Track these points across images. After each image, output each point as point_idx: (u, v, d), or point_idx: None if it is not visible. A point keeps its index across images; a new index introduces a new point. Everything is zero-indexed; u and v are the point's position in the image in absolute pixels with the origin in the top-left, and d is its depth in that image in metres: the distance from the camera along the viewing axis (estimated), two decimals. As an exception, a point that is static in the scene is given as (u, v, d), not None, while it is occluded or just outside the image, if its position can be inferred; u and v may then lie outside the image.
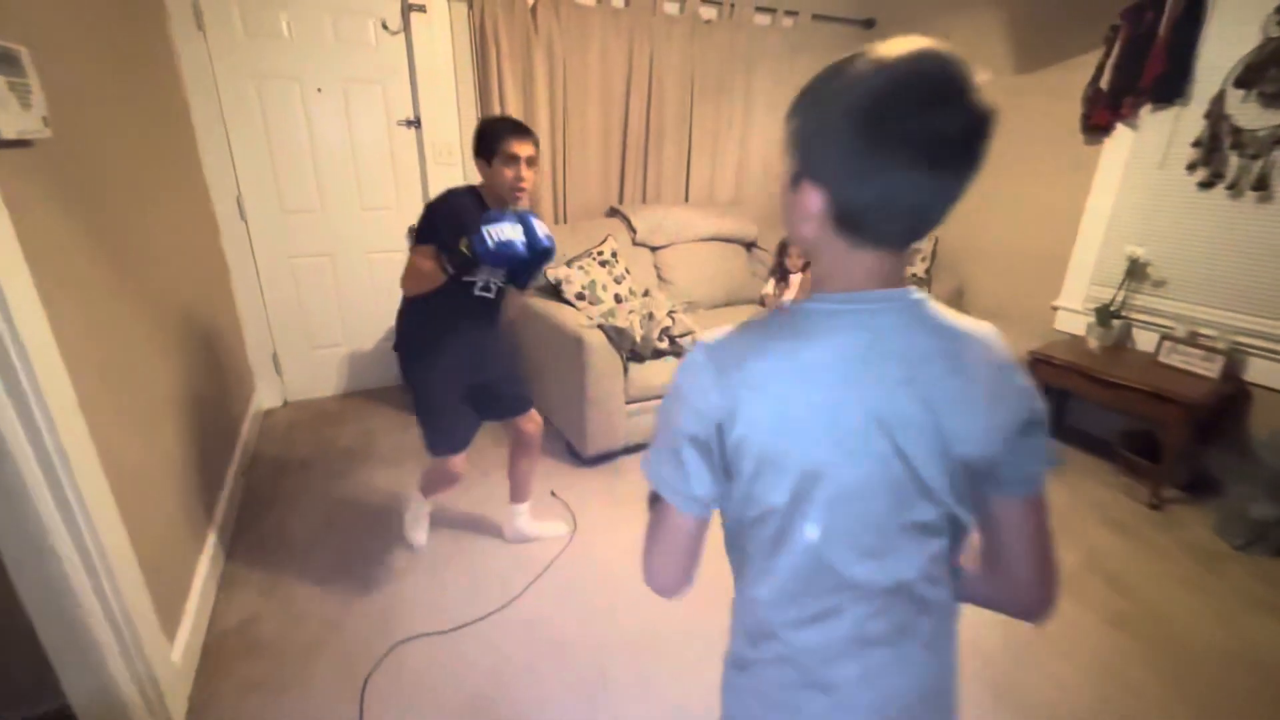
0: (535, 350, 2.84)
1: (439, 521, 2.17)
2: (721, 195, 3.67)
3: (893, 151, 0.48)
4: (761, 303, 3.46)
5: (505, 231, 1.46)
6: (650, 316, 2.45)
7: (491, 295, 1.74)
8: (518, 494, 2.06)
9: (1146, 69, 2.42)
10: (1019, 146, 3.07)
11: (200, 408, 2.02)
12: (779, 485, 0.57)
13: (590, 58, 3.03)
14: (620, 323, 2.36)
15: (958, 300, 3.43)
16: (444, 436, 1.78)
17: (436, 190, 3.01)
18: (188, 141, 2.45)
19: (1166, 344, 2.48)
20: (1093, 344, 2.63)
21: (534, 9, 2.85)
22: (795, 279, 3.35)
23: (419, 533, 2.04)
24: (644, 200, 3.45)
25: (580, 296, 2.70)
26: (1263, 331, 2.32)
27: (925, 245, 3.41)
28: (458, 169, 3.03)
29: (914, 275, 3.38)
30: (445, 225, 1.55)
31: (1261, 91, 2.19)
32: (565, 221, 3.25)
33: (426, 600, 1.83)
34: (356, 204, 2.93)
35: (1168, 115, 2.47)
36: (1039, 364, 2.65)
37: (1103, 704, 1.55)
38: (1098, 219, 2.77)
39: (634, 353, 2.49)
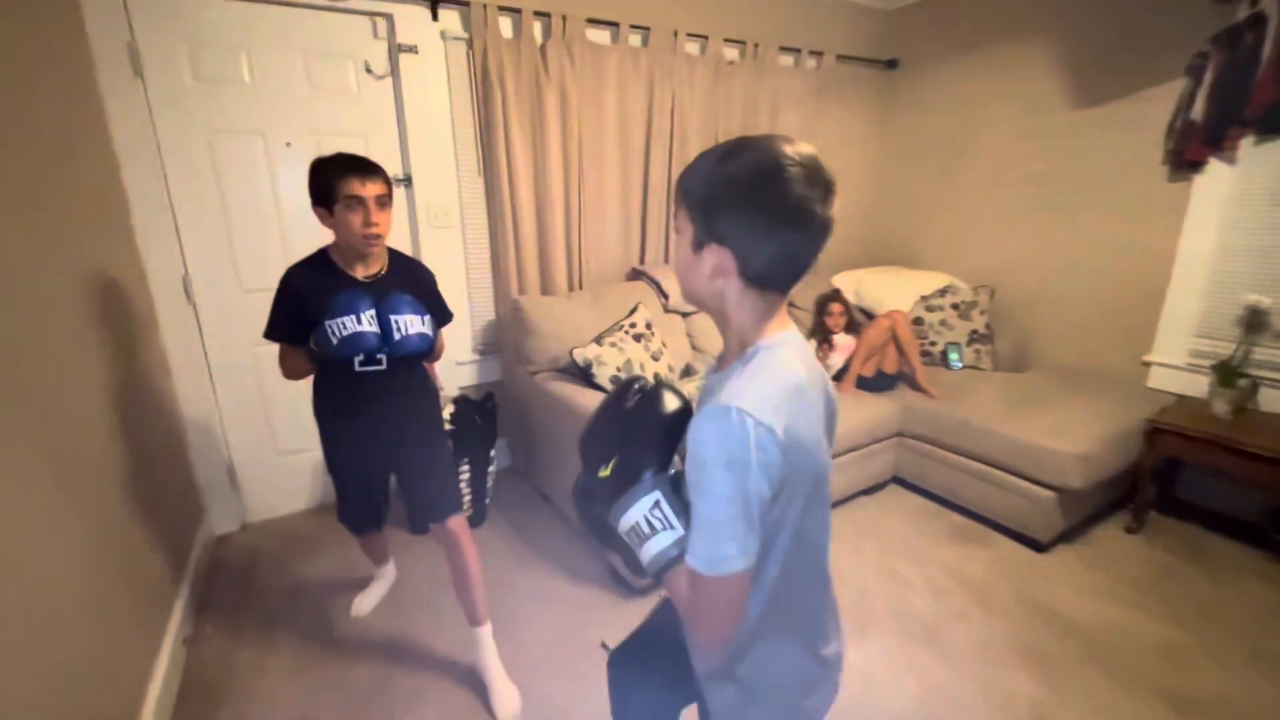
0: (560, 450, 2.32)
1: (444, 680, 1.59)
2: (748, 250, 3.28)
3: (799, 223, 0.65)
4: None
5: (350, 325, 1.33)
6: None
7: (382, 367, 1.47)
8: (468, 614, 1.65)
9: (1253, 98, 2.15)
10: (1084, 188, 2.78)
11: (121, 566, 1.43)
12: (795, 500, 0.69)
13: (607, 102, 2.66)
14: (681, 417, 1.88)
15: (1022, 356, 3.07)
16: (342, 507, 1.74)
17: (431, 258, 2.57)
18: (116, 213, 1.93)
19: (1312, 406, 2.12)
20: (1220, 408, 2.25)
21: (543, 48, 2.47)
22: (841, 340, 2.96)
23: (362, 599, 1.95)
24: (666, 261, 3.03)
25: (616, 381, 2.22)
26: None
27: (981, 297, 3.06)
28: (456, 232, 2.56)
29: (974, 331, 3.01)
30: (290, 316, 1.41)
31: (1407, 117, 1.92)
32: (581, 288, 2.80)
33: None
34: (333, 278, 2.42)
35: (1278, 148, 2.19)
36: (1162, 435, 2.25)
37: None
38: (1196, 264, 2.45)
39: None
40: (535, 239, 2.64)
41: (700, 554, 0.64)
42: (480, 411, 2.47)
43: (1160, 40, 2.44)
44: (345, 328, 1.33)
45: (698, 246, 0.68)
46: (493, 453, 2.45)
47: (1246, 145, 2.25)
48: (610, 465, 0.73)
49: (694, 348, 2.81)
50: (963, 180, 3.29)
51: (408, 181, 2.43)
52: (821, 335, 3.04)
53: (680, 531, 0.67)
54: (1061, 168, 2.85)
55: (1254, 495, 2.32)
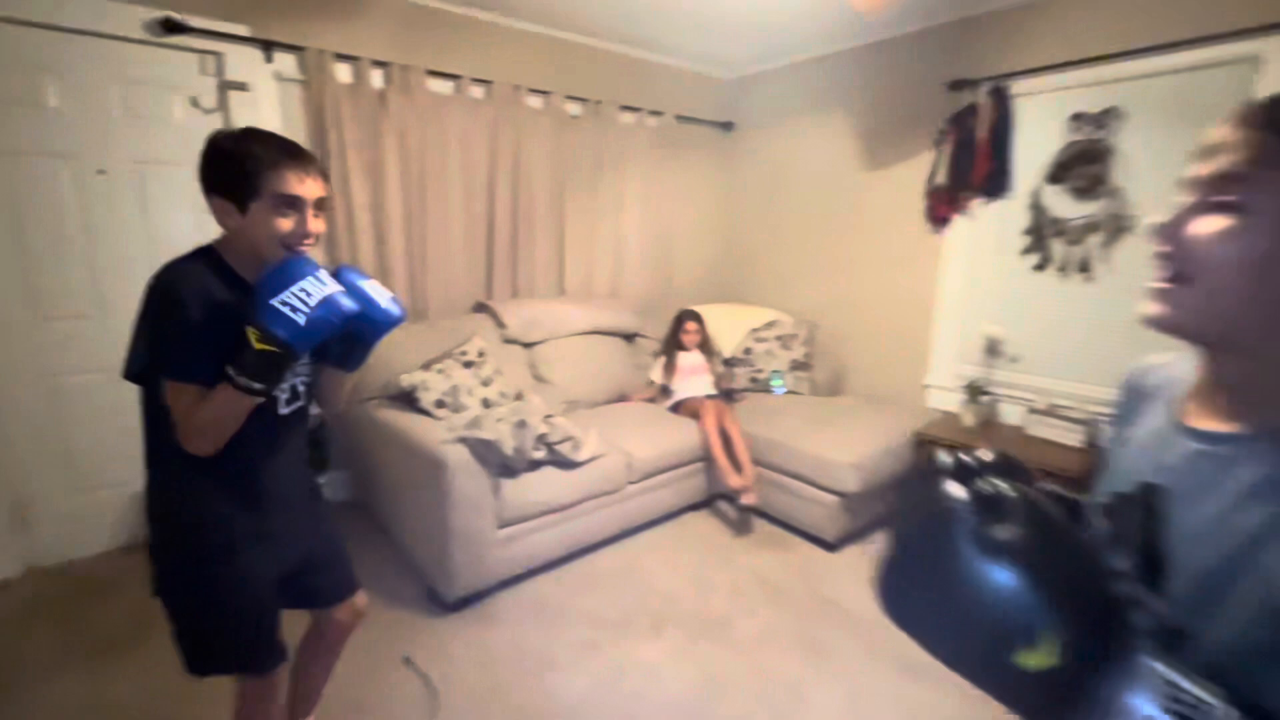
0: (384, 472, 2.37)
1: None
2: (599, 288, 3.52)
3: None
4: (664, 391, 3.19)
5: (314, 289, 0.97)
6: (523, 424, 2.12)
7: (301, 403, 1.20)
8: (305, 705, 1.47)
9: (975, 168, 2.66)
10: (875, 237, 3.25)
11: None
12: None
13: (450, 145, 2.83)
14: (486, 434, 2.00)
15: (838, 383, 3.46)
16: (262, 648, 1.16)
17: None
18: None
19: (1031, 416, 2.58)
20: (968, 420, 2.68)
21: (383, 94, 2.61)
22: (686, 361, 3.15)
23: None
24: (515, 294, 3.20)
25: (441, 404, 2.31)
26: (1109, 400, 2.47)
27: (801, 331, 3.45)
28: (290, 263, 2.59)
29: (794, 360, 3.37)
30: (204, 331, 0.98)
31: (1072, 186, 2.45)
32: (425, 319, 2.89)
33: None
34: (151, 306, 2.37)
35: (997, 207, 2.71)
36: (923, 445, 2.63)
37: None
38: (952, 300, 2.93)
39: (506, 467, 2.12)
40: (375, 269, 2.72)
41: None
42: (311, 440, 2.46)
43: (920, 117, 2.95)
44: (311, 295, 0.96)
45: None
46: (322, 481, 2.44)
47: (978, 205, 2.76)
48: (1055, 646, 0.39)
49: (537, 377, 2.95)
50: (786, 230, 3.73)
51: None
52: (671, 351, 3.20)
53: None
54: (855, 221, 3.33)
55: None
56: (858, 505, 2.55)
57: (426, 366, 2.39)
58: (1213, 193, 0.46)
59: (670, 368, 3.18)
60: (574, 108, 3.25)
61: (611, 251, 3.52)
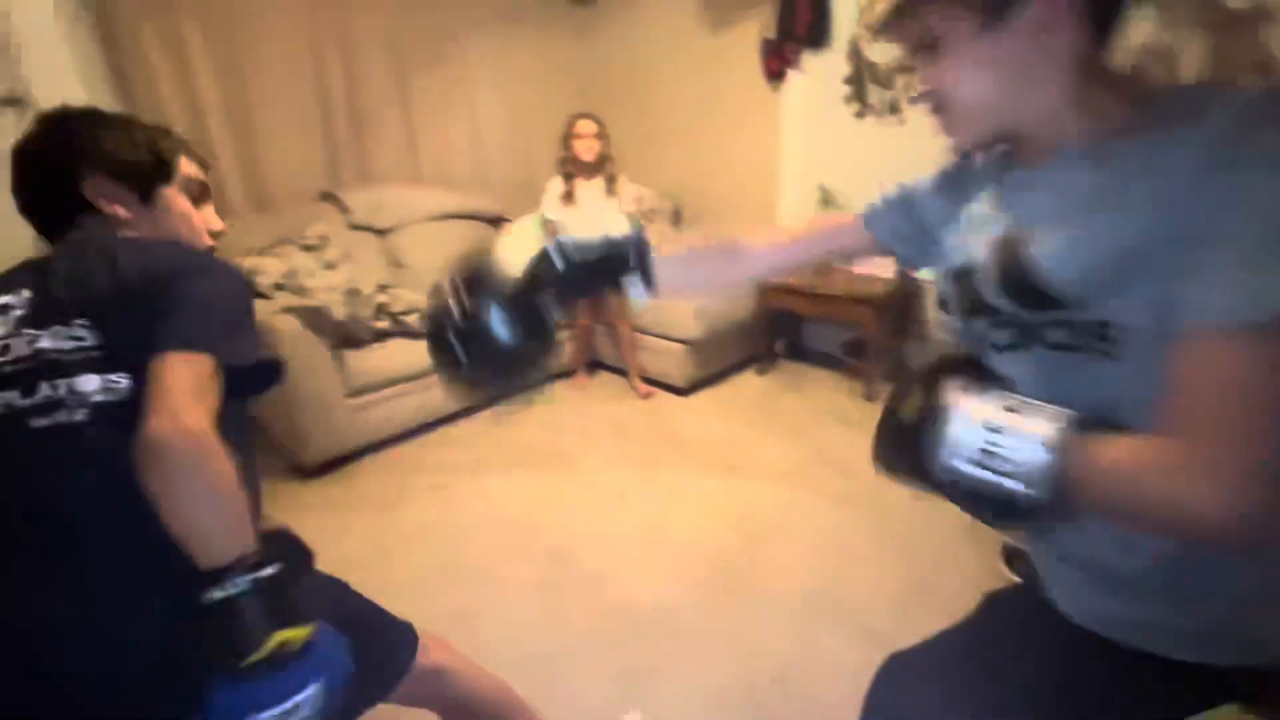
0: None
1: None
2: (459, 172, 3.47)
3: None
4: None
5: None
6: (355, 292, 2.17)
7: None
8: None
9: (798, 19, 2.72)
10: (724, 101, 3.29)
11: None
12: None
13: (264, 14, 2.66)
14: (314, 301, 2.05)
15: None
16: None
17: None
18: None
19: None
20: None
21: (168, -40, 2.40)
22: (587, 190, 2.71)
23: None
24: (366, 181, 3.12)
25: (280, 288, 2.32)
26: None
27: (667, 204, 3.54)
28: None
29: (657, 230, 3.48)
30: None
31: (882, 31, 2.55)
32: (270, 209, 2.82)
33: None
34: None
35: (822, 58, 2.80)
36: (764, 291, 2.85)
37: (834, 574, 1.64)
38: (792, 156, 3.06)
39: (346, 337, 2.19)
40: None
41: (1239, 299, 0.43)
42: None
43: (753, -28, 2.93)
44: None
45: (994, 22, 0.52)
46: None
47: (807, 57, 2.84)
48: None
49: (396, 263, 2.96)
50: (647, 105, 3.67)
51: (16, 102, 2.28)
52: (567, 171, 2.66)
53: (1050, 407, 0.51)
54: (707, 88, 3.34)
55: (837, 333, 3.03)
56: (706, 351, 2.77)
57: (262, 253, 2.38)
58: (920, 49, 0.59)
59: (568, 198, 2.59)
60: (407, -25, 3.06)
61: (468, 135, 3.46)
